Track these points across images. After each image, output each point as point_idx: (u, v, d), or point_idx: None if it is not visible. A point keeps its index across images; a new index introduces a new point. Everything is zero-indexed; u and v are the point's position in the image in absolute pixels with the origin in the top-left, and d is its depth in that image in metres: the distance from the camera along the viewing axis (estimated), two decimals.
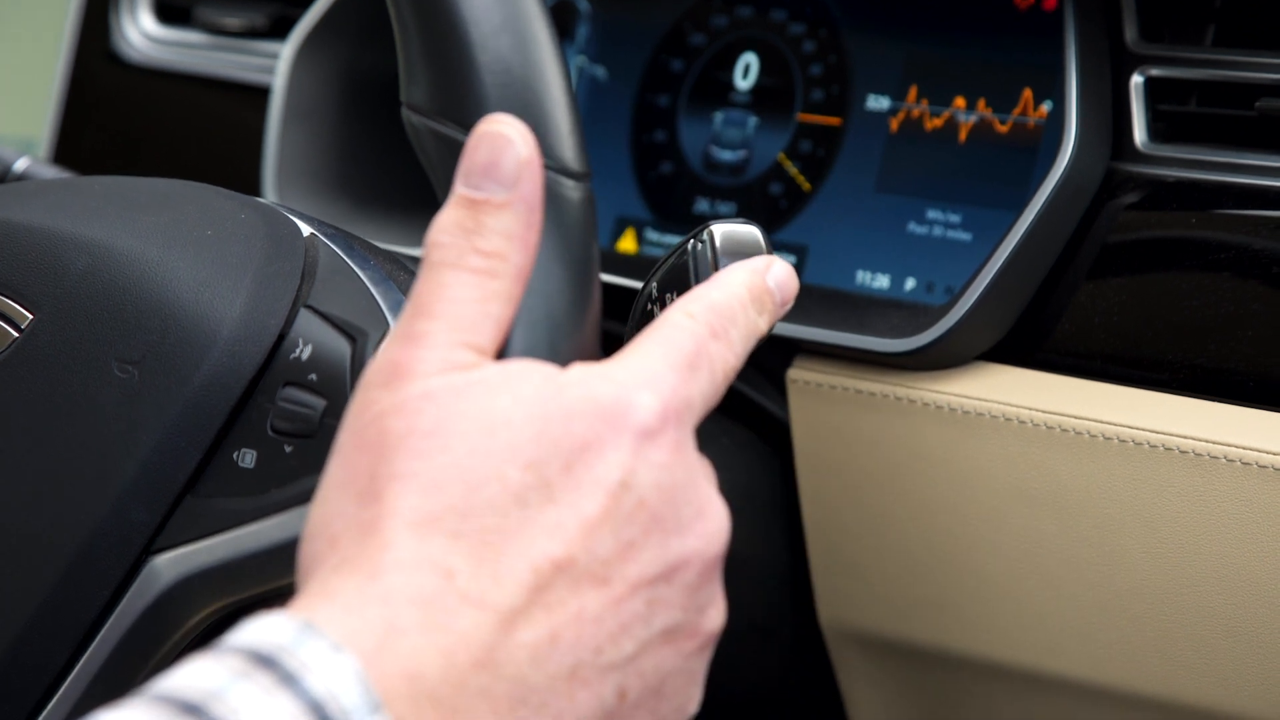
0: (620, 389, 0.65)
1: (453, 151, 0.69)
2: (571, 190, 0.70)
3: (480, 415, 0.64)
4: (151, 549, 0.79)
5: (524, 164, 0.66)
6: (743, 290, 0.71)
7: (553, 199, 0.69)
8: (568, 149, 0.70)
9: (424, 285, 0.66)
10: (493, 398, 0.64)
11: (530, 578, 0.62)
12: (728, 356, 0.69)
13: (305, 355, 0.78)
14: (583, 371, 0.65)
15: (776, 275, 0.73)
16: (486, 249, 0.66)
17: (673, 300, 0.75)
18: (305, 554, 0.64)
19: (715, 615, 0.67)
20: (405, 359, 0.65)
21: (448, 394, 0.64)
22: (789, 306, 0.74)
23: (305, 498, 0.76)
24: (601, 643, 0.63)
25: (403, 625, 0.60)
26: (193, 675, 0.57)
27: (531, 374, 0.65)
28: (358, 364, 0.78)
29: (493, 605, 0.61)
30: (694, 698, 0.67)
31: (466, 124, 0.68)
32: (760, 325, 0.71)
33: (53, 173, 1.02)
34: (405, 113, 0.70)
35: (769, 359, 1.04)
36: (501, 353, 0.67)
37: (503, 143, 0.66)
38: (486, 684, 0.61)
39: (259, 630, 0.59)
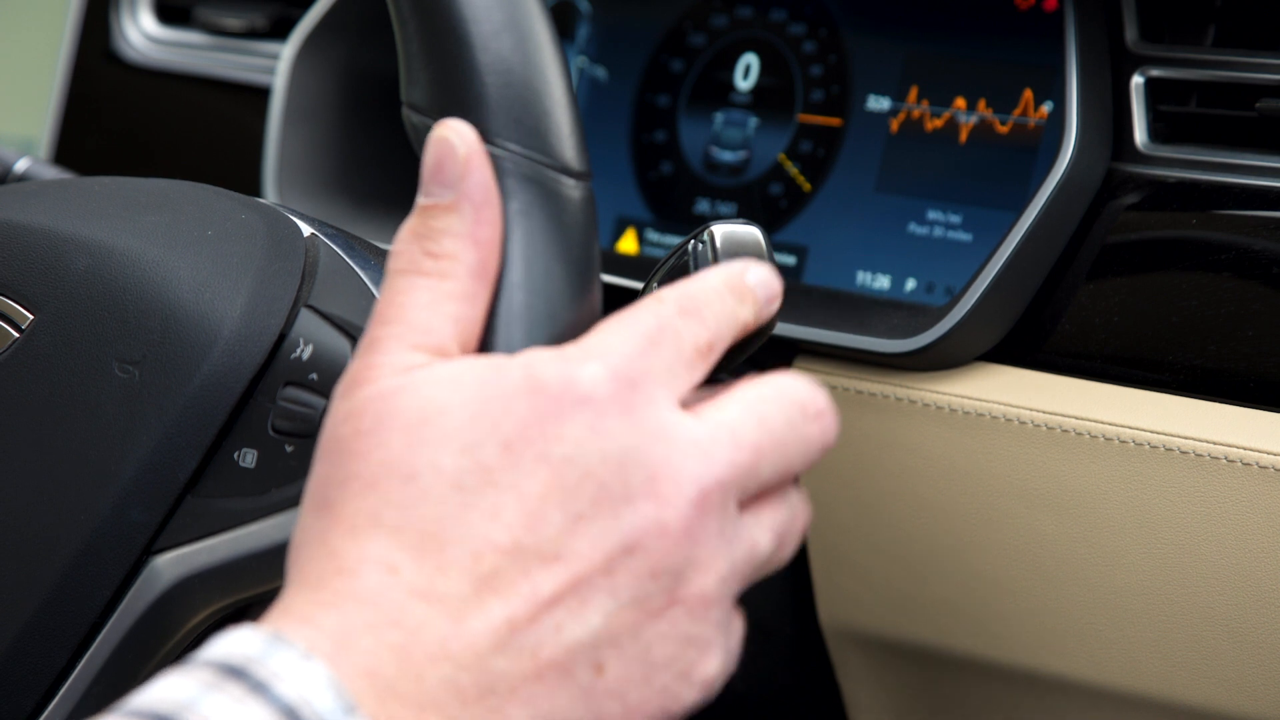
0: (565, 364, 0.64)
1: None
2: (572, 190, 0.69)
3: (416, 408, 0.64)
4: (152, 549, 0.79)
5: (464, 163, 0.66)
6: (717, 280, 0.70)
7: (553, 198, 0.69)
8: (568, 148, 0.70)
9: (382, 294, 0.67)
10: (432, 390, 0.64)
11: (473, 565, 0.62)
12: (698, 331, 0.67)
13: (306, 355, 0.78)
14: (532, 354, 0.65)
15: (755, 273, 0.72)
16: (436, 251, 0.66)
17: None
18: (287, 571, 0.65)
19: (701, 578, 0.65)
20: (360, 367, 0.66)
21: (390, 393, 0.64)
22: (777, 302, 0.72)
23: None
24: (561, 620, 0.62)
25: (354, 626, 0.60)
26: (163, 689, 0.58)
27: (478, 363, 0.65)
28: None
29: (440, 596, 0.61)
30: (704, 661, 0.65)
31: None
32: (741, 314, 0.69)
33: (53, 173, 1.02)
34: (405, 112, 0.70)
35: (769, 359, 1.04)
36: (490, 351, 0.67)
37: (444, 147, 0.67)
38: (448, 675, 0.61)
39: (228, 644, 0.59)
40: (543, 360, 0.64)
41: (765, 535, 0.67)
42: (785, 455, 0.67)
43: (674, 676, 0.64)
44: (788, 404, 0.68)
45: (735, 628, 0.67)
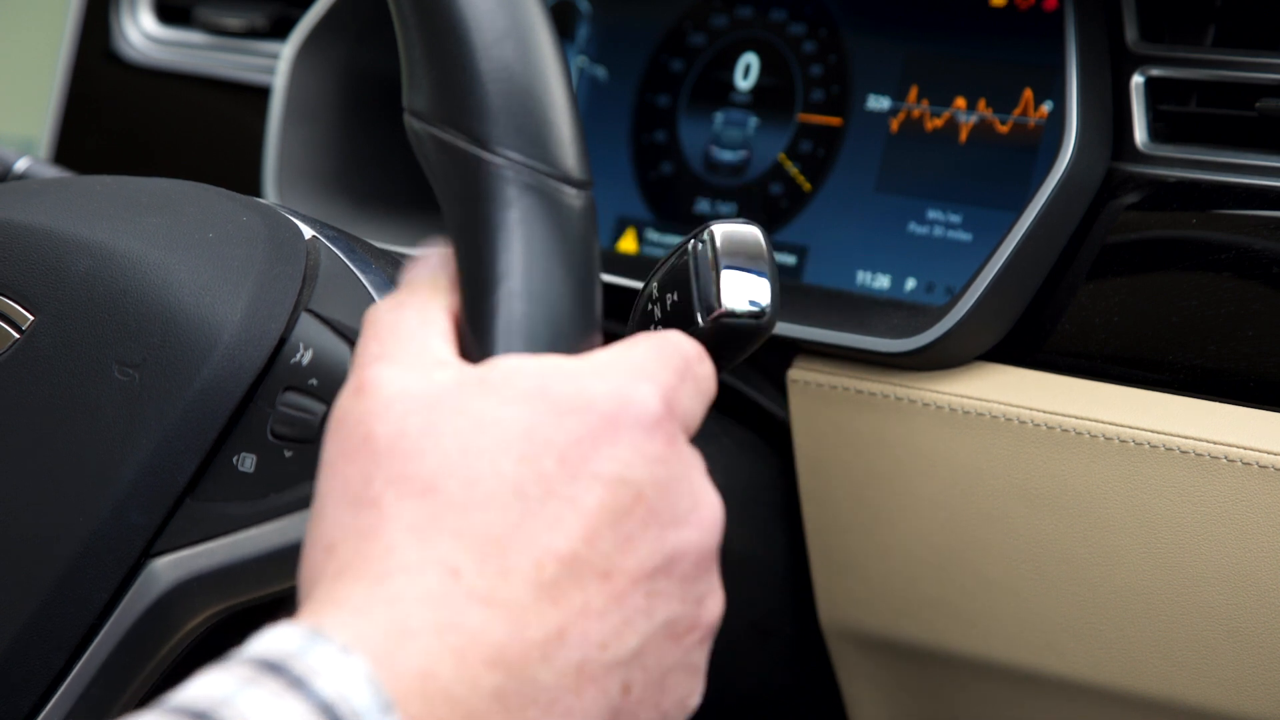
0: (616, 384, 0.65)
1: (454, 158, 0.69)
2: (573, 198, 0.69)
3: (469, 413, 0.64)
4: (150, 552, 0.79)
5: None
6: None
7: (554, 206, 0.69)
8: (569, 156, 0.69)
9: (365, 332, 0.69)
10: (482, 400, 0.64)
11: (535, 573, 0.62)
12: (707, 384, 0.69)
13: (306, 360, 0.78)
14: (571, 366, 0.65)
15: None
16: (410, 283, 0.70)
17: (673, 300, 0.75)
18: (305, 567, 0.64)
19: (714, 605, 0.67)
20: (369, 373, 0.66)
21: (432, 394, 0.65)
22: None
23: (305, 503, 0.76)
24: (606, 638, 0.63)
25: (413, 626, 0.60)
26: (202, 686, 0.58)
27: (515, 375, 0.65)
28: None
29: (502, 602, 0.61)
30: (695, 690, 0.67)
31: (469, 131, 0.68)
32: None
33: (53, 173, 1.02)
34: (407, 118, 0.70)
35: (769, 359, 1.04)
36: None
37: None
38: (499, 683, 0.61)
39: (267, 641, 0.59)
40: (588, 376, 0.65)
41: None
42: None
43: (674, 704, 0.66)
44: None
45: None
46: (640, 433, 0.64)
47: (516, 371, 0.65)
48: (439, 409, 0.64)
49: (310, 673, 0.58)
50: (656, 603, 0.64)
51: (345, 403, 0.65)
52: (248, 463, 0.78)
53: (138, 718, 0.57)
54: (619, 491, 0.64)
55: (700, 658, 0.67)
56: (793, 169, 1.08)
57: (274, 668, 0.58)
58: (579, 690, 0.62)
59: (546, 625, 0.62)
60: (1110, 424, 0.94)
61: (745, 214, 1.09)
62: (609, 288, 1.00)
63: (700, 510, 0.66)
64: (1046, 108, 1.00)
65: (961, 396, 0.97)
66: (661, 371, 0.66)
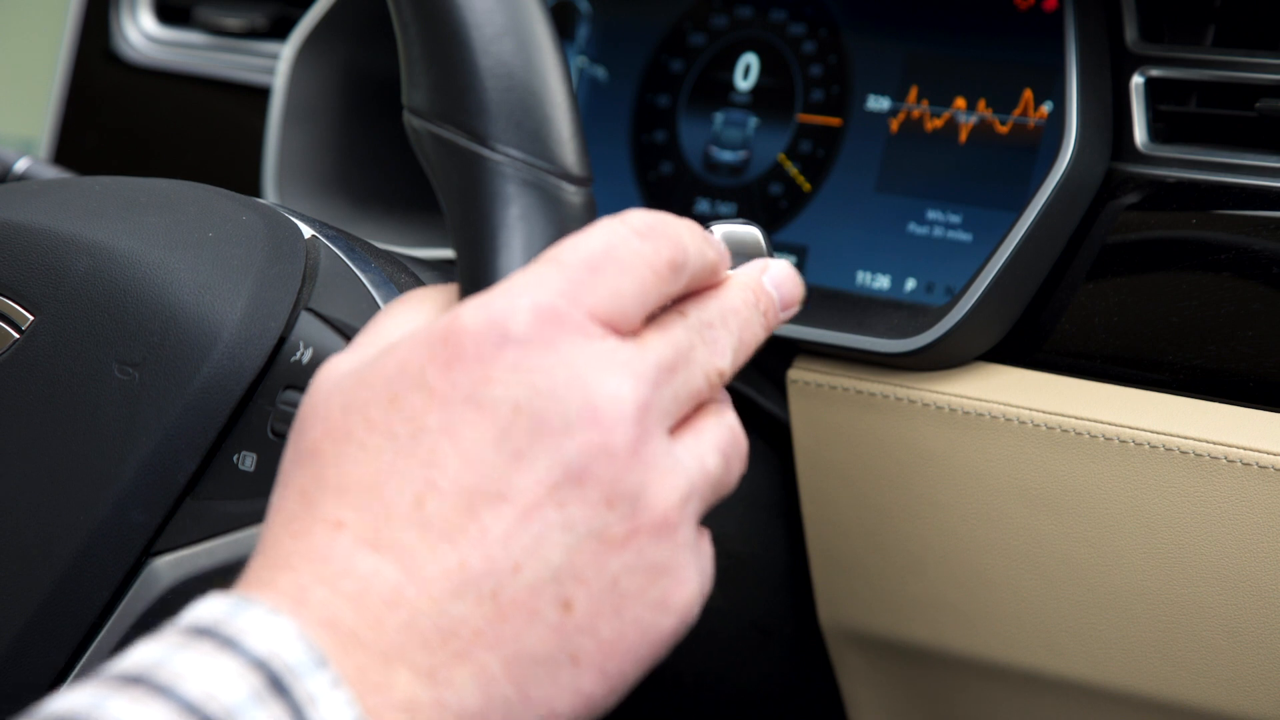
0: (487, 306, 0.64)
1: (453, 155, 0.69)
2: (573, 195, 0.70)
3: (350, 375, 0.65)
4: (151, 551, 0.79)
5: None
6: (692, 230, 0.70)
7: (554, 204, 0.69)
8: (569, 154, 0.70)
9: None
10: (362, 358, 0.66)
11: (415, 511, 0.62)
12: (653, 256, 0.67)
13: (306, 358, 0.78)
14: (462, 303, 0.65)
15: (772, 274, 0.74)
16: None
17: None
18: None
19: (660, 500, 0.64)
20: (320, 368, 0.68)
21: (351, 370, 0.66)
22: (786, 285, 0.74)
23: None
24: (518, 559, 0.62)
25: (308, 581, 0.61)
26: (137, 654, 0.58)
27: (415, 330, 0.65)
28: None
29: (388, 544, 0.61)
30: (681, 586, 0.64)
31: (468, 128, 0.68)
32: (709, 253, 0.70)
33: (53, 173, 1.02)
34: (406, 116, 0.70)
35: (769, 359, 1.04)
36: None
37: None
38: (407, 620, 0.61)
39: (196, 610, 0.60)
40: (467, 306, 0.64)
41: (711, 453, 0.67)
42: (696, 362, 0.67)
43: (647, 607, 0.63)
44: (690, 317, 0.68)
45: (705, 549, 0.66)
46: (510, 347, 0.63)
47: (415, 329, 0.65)
48: (333, 381, 0.65)
49: (240, 633, 0.58)
50: (572, 513, 0.62)
51: None
52: (248, 461, 0.78)
53: (77, 689, 0.57)
54: (497, 411, 0.62)
55: (671, 554, 0.64)
56: (792, 169, 1.08)
57: (204, 632, 0.59)
58: (503, 617, 0.61)
59: (443, 561, 0.61)
60: (1110, 424, 0.94)
61: (745, 214, 1.08)
62: None
63: (596, 407, 0.63)
64: (1046, 108, 1.00)
65: (961, 396, 0.97)
66: (552, 276, 0.64)
